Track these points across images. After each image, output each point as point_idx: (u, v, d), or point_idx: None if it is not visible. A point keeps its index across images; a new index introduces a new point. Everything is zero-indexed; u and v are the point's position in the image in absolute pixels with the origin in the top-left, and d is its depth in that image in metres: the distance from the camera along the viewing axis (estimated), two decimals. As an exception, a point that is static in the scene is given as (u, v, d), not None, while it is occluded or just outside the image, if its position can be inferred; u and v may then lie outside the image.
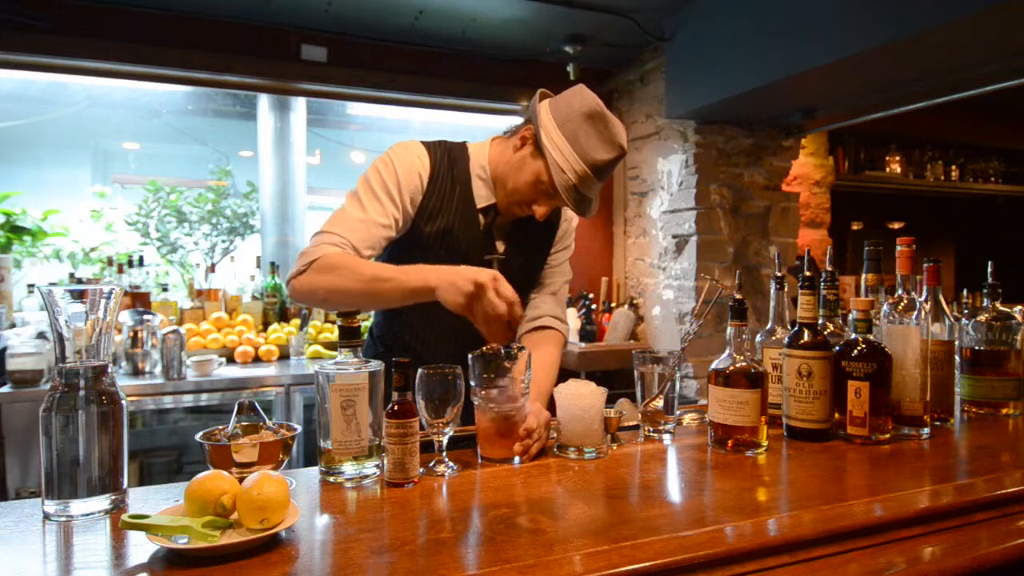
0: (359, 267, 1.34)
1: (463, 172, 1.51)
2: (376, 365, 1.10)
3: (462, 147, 1.55)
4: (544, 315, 1.63)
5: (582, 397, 1.22)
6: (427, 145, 1.51)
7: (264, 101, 3.55)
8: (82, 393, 0.92)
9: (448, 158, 1.52)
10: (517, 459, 1.18)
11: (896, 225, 5.28)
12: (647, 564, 0.77)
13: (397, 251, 1.50)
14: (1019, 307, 1.60)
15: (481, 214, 1.52)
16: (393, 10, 3.15)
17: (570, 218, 1.69)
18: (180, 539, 0.79)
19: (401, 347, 1.58)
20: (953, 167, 5.02)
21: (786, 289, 1.49)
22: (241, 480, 0.87)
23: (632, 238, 3.96)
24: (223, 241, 3.65)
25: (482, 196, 1.52)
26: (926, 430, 1.35)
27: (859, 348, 1.29)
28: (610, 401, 1.29)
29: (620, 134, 1.42)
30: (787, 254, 3.63)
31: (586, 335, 3.64)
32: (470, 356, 1.21)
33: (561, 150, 1.39)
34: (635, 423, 1.38)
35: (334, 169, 4.25)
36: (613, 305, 3.93)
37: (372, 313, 1.73)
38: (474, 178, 1.52)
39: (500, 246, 1.54)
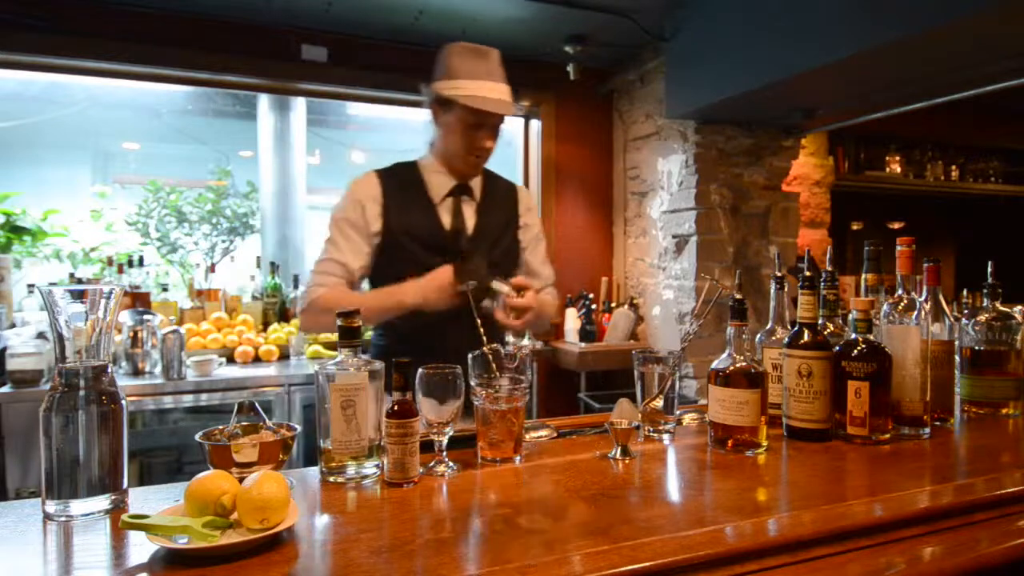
0: (350, 299, 1.68)
1: (415, 176, 1.80)
2: (376, 365, 1.10)
3: (410, 162, 1.85)
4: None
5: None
6: (376, 172, 1.81)
7: (264, 101, 3.54)
8: (82, 393, 0.92)
9: (396, 174, 1.81)
10: (517, 459, 1.19)
11: (896, 225, 5.28)
12: (647, 564, 0.77)
13: (382, 256, 1.77)
14: (1019, 307, 1.60)
15: (449, 198, 1.78)
16: (393, 10, 3.15)
17: (527, 202, 1.94)
18: (180, 539, 0.79)
19: (407, 338, 1.76)
20: (953, 167, 5.01)
21: (786, 289, 1.48)
22: (241, 480, 0.87)
23: (632, 238, 3.96)
24: (223, 241, 3.65)
25: (441, 184, 1.79)
26: (926, 430, 1.35)
27: (859, 348, 1.29)
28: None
29: (482, 47, 1.69)
30: (787, 254, 3.63)
31: (586, 335, 3.63)
32: (470, 356, 1.22)
33: (451, 84, 1.67)
34: (635, 423, 1.37)
35: (334, 169, 4.25)
36: (613, 305, 3.93)
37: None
38: (428, 175, 1.80)
39: (470, 224, 1.80)
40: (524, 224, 1.91)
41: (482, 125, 1.70)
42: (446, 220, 1.78)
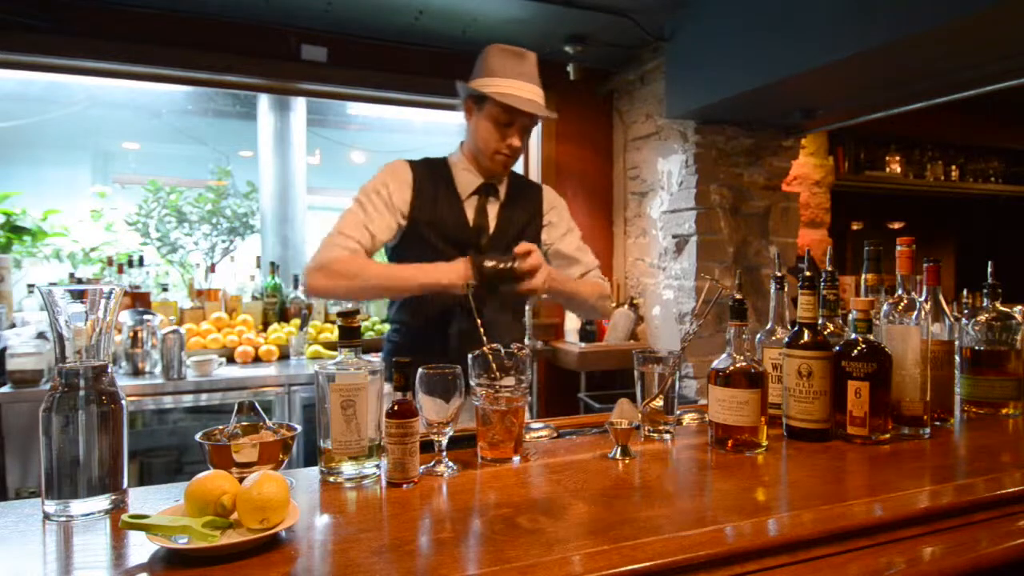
0: (371, 269, 1.70)
1: (445, 172, 1.84)
2: (376, 364, 1.10)
3: (441, 158, 1.89)
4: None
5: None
6: (409, 161, 1.85)
7: (264, 101, 3.54)
8: (82, 393, 0.92)
9: (429, 166, 1.85)
10: (517, 459, 1.19)
11: (896, 225, 5.28)
12: (647, 564, 0.77)
13: (402, 243, 1.81)
14: (1019, 307, 1.60)
15: (475, 196, 1.83)
16: (393, 10, 3.15)
17: (552, 201, 1.98)
18: (180, 539, 0.79)
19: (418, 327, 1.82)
20: (953, 167, 5.02)
21: (786, 289, 1.48)
22: (241, 480, 0.87)
23: (632, 238, 3.96)
24: (223, 241, 3.65)
25: (468, 182, 1.83)
26: (926, 430, 1.35)
27: (859, 348, 1.29)
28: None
29: (520, 49, 1.75)
30: (787, 254, 3.63)
31: (586, 335, 3.63)
32: (470, 356, 1.21)
33: (486, 82, 1.72)
34: (635, 423, 1.37)
35: (334, 169, 4.25)
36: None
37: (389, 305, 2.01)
38: (457, 172, 1.84)
39: (493, 222, 1.84)
40: (549, 222, 1.95)
41: (512, 123, 1.74)
42: (471, 217, 1.82)
